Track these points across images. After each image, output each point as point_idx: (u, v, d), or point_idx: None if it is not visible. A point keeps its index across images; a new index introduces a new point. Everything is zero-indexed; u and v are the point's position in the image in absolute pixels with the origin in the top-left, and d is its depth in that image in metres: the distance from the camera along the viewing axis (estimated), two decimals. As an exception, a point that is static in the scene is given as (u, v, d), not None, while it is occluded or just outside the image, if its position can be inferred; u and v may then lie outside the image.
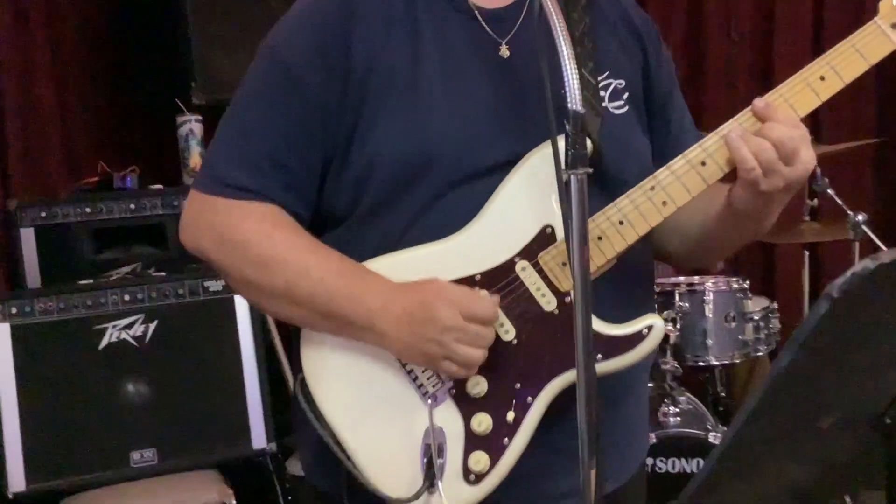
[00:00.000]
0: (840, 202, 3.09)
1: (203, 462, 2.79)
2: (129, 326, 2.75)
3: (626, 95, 1.42)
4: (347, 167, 1.35)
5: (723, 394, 3.36)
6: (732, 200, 1.31)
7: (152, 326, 2.77)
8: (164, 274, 2.92)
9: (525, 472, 1.31)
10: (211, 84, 3.12)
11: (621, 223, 1.30)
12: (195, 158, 3.15)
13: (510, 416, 1.30)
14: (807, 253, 3.41)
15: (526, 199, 1.32)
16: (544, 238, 1.32)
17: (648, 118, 1.46)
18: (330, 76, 1.33)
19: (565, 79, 1.10)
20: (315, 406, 1.34)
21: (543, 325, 1.31)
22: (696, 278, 3.07)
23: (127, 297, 2.77)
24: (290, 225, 1.36)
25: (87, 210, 2.92)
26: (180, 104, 3.11)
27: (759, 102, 1.28)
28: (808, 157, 1.26)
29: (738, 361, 3.08)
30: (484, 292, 1.30)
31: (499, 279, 1.32)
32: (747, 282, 3.06)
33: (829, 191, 3.09)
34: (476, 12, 1.38)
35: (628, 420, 1.46)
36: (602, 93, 1.39)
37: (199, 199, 1.40)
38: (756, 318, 3.07)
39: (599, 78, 1.38)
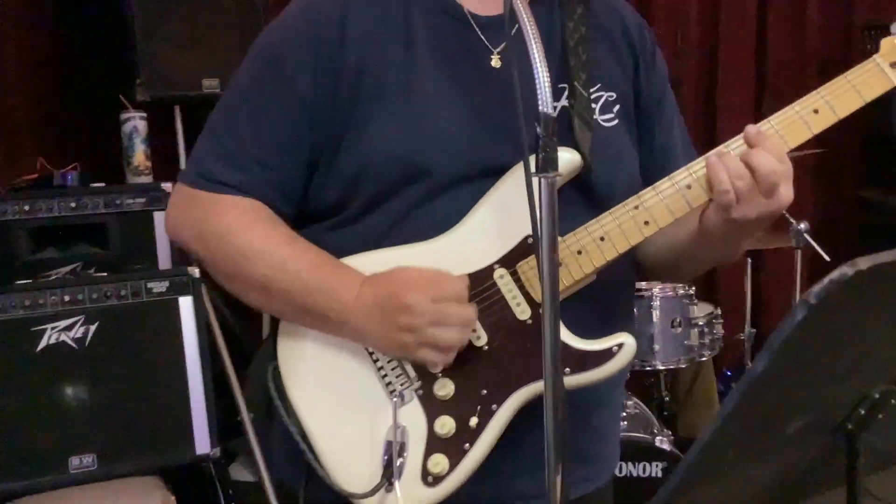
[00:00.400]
0: (783, 211, 3.14)
1: (145, 468, 2.71)
2: (69, 328, 2.66)
3: (616, 108, 1.42)
4: (337, 167, 1.36)
5: (667, 398, 3.40)
6: (703, 221, 1.32)
7: (93, 328, 2.69)
8: (105, 274, 2.84)
9: (495, 471, 1.32)
10: (156, 80, 3.06)
11: (602, 239, 1.31)
12: (139, 157, 3.08)
13: (473, 421, 1.30)
14: (749, 260, 3.47)
15: (512, 208, 1.32)
16: (525, 248, 1.33)
17: (637, 127, 1.47)
18: (321, 76, 1.35)
19: (536, 81, 1.09)
20: (284, 396, 1.35)
21: (516, 334, 1.32)
22: (643, 284, 3.10)
23: (67, 298, 2.68)
24: (270, 219, 1.38)
25: (26, 208, 2.82)
26: (124, 101, 3.04)
27: (751, 129, 1.28)
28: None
29: (683, 366, 3.13)
30: (449, 275, 1.29)
31: (476, 284, 1.32)
32: (693, 288, 3.11)
33: (773, 199, 3.14)
34: (471, 19, 1.39)
35: (600, 429, 1.47)
36: (593, 105, 1.40)
37: (183, 192, 1.43)
38: (701, 323, 3.11)
39: (591, 90, 1.39)
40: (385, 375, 1.34)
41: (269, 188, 1.38)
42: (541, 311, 1.26)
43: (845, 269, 0.77)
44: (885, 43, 1.33)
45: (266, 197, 1.38)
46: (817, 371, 0.86)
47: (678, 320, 3.03)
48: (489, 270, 1.33)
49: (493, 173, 1.33)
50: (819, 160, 3.98)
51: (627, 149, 1.43)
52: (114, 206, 2.93)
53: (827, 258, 3.11)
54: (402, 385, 1.33)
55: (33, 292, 2.64)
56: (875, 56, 1.33)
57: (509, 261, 1.33)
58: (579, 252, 1.32)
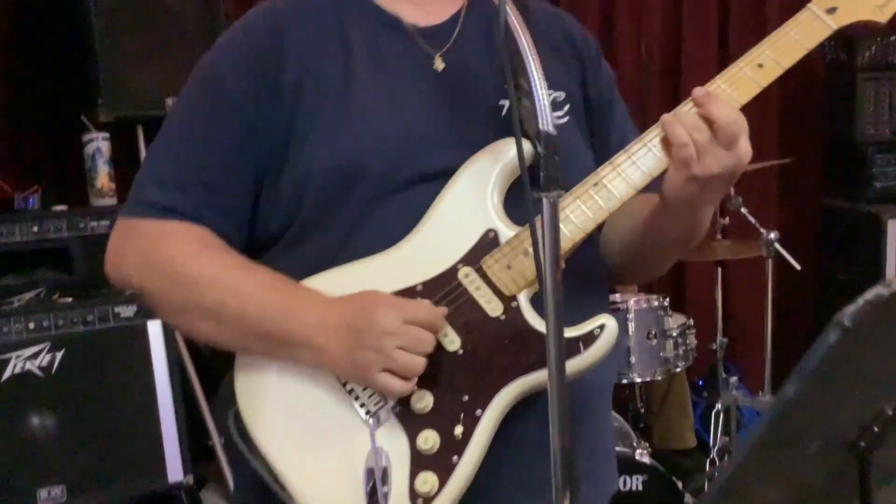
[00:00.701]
0: (753, 220, 3.17)
1: (115, 498, 2.66)
2: (35, 356, 2.60)
3: (566, 107, 1.41)
4: (280, 185, 1.32)
5: (642, 410, 3.40)
6: (666, 188, 1.27)
7: (59, 355, 2.63)
8: (70, 300, 2.77)
9: (493, 486, 1.26)
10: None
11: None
12: (102, 178, 3.01)
13: (458, 430, 1.23)
14: (720, 269, 3.49)
15: (466, 205, 1.29)
16: (487, 242, 1.29)
17: (590, 132, 1.46)
18: (260, 92, 1.32)
19: (536, 100, 1.07)
20: (250, 440, 1.27)
21: (490, 332, 1.27)
22: (617, 296, 3.10)
23: (31, 325, 2.62)
24: (219, 245, 1.32)
25: (-14, 233, 2.76)
26: (86, 121, 2.97)
27: (698, 91, 1.25)
28: (746, 148, 1.23)
29: (659, 378, 3.13)
30: (426, 302, 1.25)
31: (441, 287, 1.27)
32: (667, 300, 3.11)
33: (743, 209, 3.17)
34: (410, 30, 1.37)
35: (589, 444, 1.42)
36: None
37: (124, 225, 1.36)
38: (675, 334, 3.12)
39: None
40: (357, 398, 1.26)
41: (214, 211, 1.33)
42: (514, 305, 1.25)
43: (881, 291, 0.76)
44: None
45: (213, 221, 1.33)
46: (842, 391, 0.84)
47: (653, 332, 3.03)
48: (453, 271, 1.28)
49: (439, 176, 1.30)
50: (783, 169, 4.03)
51: (580, 146, 1.41)
52: (77, 229, 2.88)
53: (798, 267, 3.14)
54: (376, 405, 1.25)
55: (-4, 320, 2.58)
56: (809, 4, 1.32)
57: (472, 258, 1.28)
58: None
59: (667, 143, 1.26)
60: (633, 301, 3.04)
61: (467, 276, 1.28)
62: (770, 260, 3.17)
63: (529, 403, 1.26)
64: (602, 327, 1.24)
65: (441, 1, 1.41)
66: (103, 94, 2.98)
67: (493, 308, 1.27)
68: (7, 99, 3.25)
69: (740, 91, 1.29)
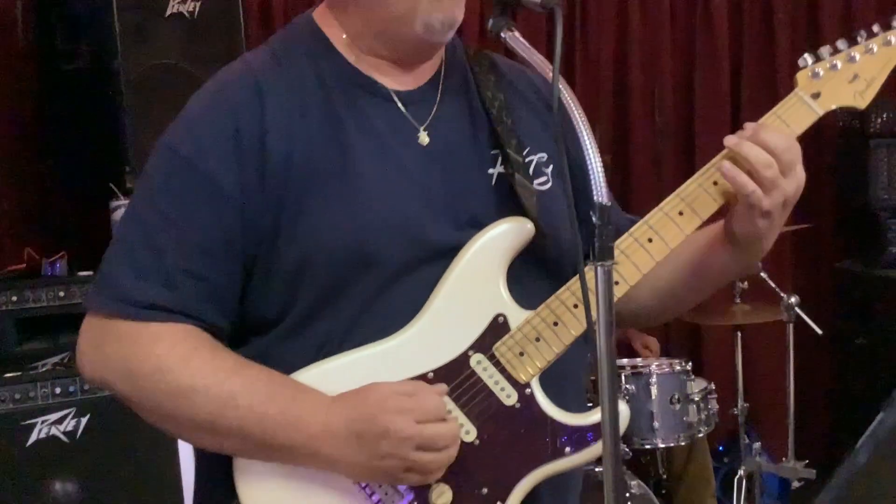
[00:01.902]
0: (773, 284, 3.18)
1: (137, 565, 2.62)
2: (60, 421, 2.59)
3: (549, 169, 1.39)
4: (275, 269, 1.25)
5: (664, 476, 3.37)
6: (736, 229, 1.31)
7: (84, 421, 2.62)
8: (95, 365, 2.77)
9: None
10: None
11: (576, 306, 1.28)
12: (129, 244, 3.04)
13: None
14: (739, 334, 3.49)
15: (473, 288, 1.28)
16: (497, 328, 1.28)
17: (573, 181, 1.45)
18: (244, 170, 1.23)
19: (590, 171, 1.07)
20: None
21: (505, 421, 1.26)
22: (639, 361, 3.10)
23: (57, 391, 2.62)
24: (208, 346, 1.24)
25: (13, 298, 2.77)
26: (115, 189, 3.01)
27: (749, 125, 1.31)
28: (801, 170, 1.29)
29: (682, 443, 3.10)
30: (430, 390, 1.22)
31: (453, 376, 1.26)
32: (689, 364, 3.11)
33: (762, 274, 3.18)
34: (392, 94, 1.34)
35: None
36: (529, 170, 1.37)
37: (98, 323, 1.25)
38: (697, 399, 3.10)
39: (523, 154, 1.36)
40: (373, 493, 1.23)
41: (201, 302, 1.23)
42: (528, 392, 1.25)
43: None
44: (801, 77, 1.38)
45: (198, 314, 1.24)
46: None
47: (676, 397, 3.02)
48: (464, 358, 1.27)
49: (442, 254, 1.28)
50: (798, 235, 4.05)
51: (567, 209, 1.40)
52: (103, 294, 2.89)
53: (819, 331, 3.15)
54: (394, 501, 1.23)
55: (23, 385, 2.59)
56: (797, 90, 1.37)
57: (483, 344, 1.27)
58: (555, 324, 1.28)
59: (724, 185, 1.29)
60: (656, 365, 3.04)
61: (480, 364, 1.27)
62: (791, 324, 3.18)
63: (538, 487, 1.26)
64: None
65: (417, 67, 1.37)
66: (131, 162, 3.03)
67: (508, 396, 1.27)
68: (34, 166, 3.30)
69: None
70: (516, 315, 1.29)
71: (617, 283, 1.27)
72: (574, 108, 1.11)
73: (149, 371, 1.22)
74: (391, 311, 1.26)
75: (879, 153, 3.96)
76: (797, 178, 1.28)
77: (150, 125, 3.09)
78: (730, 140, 1.30)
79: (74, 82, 3.21)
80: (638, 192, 4.18)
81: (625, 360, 3.17)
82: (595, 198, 1.07)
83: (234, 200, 1.23)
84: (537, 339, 1.27)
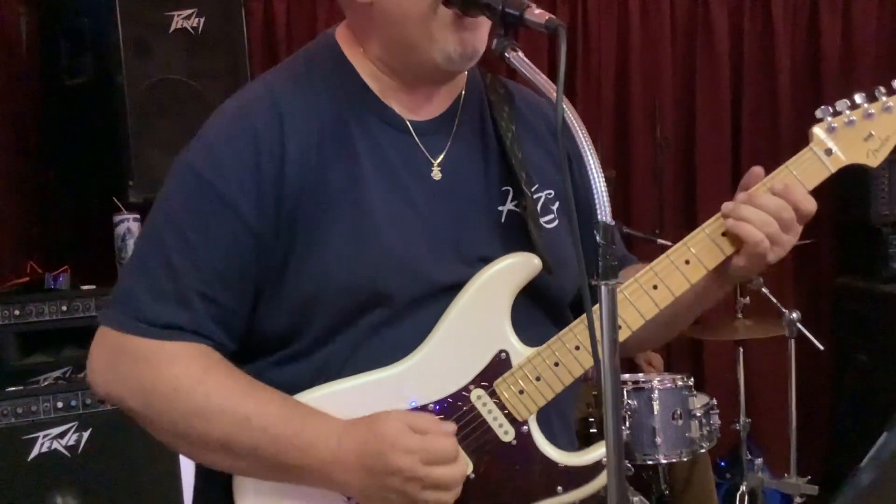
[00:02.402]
0: (774, 300, 3.18)
1: (138, 581, 2.62)
2: (62, 435, 2.60)
3: (555, 206, 1.40)
4: (285, 296, 1.27)
5: (666, 492, 3.36)
6: (733, 273, 1.35)
7: (86, 435, 2.63)
8: (97, 379, 2.77)
9: None
10: (149, 182, 3.04)
11: (577, 348, 1.29)
12: (132, 258, 3.05)
13: None
14: (741, 350, 3.49)
15: (475, 323, 1.29)
16: (499, 364, 1.29)
17: (579, 217, 1.45)
18: (262, 200, 1.25)
19: (594, 190, 1.07)
20: None
21: (502, 458, 1.28)
22: (640, 376, 3.10)
23: (59, 405, 2.63)
24: (222, 366, 1.26)
25: (16, 312, 2.77)
26: (118, 203, 3.02)
27: (778, 185, 1.33)
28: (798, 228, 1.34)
29: (684, 459, 3.10)
30: (441, 432, 1.23)
31: (453, 409, 1.28)
32: (691, 379, 3.11)
33: (764, 290, 3.18)
34: (409, 125, 1.34)
35: None
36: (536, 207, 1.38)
37: (113, 339, 1.26)
38: (699, 414, 3.10)
39: (532, 190, 1.37)
40: None
41: (213, 324, 1.25)
42: (525, 430, 1.27)
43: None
44: (817, 130, 1.38)
45: (211, 335, 1.25)
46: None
47: (679, 412, 3.02)
48: (465, 392, 1.28)
49: (449, 290, 1.29)
50: (799, 250, 4.05)
51: (570, 249, 1.38)
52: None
53: (821, 347, 3.15)
54: None
55: (25, 399, 2.59)
56: (811, 145, 1.38)
57: (484, 379, 1.29)
58: (556, 364, 1.29)
59: (731, 235, 1.32)
60: (658, 381, 3.04)
61: (479, 399, 1.28)
62: (793, 340, 3.18)
63: None
64: None
65: (436, 94, 1.38)
66: (134, 177, 3.04)
67: (506, 432, 1.28)
68: (38, 180, 3.32)
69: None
70: (518, 352, 1.30)
71: (619, 327, 1.29)
72: (578, 129, 1.11)
73: (164, 391, 1.23)
74: (395, 342, 1.27)
75: (880, 168, 3.96)
76: (798, 230, 1.33)
77: (154, 140, 3.11)
78: (725, 207, 1.33)
79: (78, 97, 3.22)
80: (638, 206, 4.19)
81: (627, 376, 3.17)
82: (599, 217, 1.07)
83: (250, 227, 1.25)
84: (537, 379, 1.29)
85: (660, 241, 3.72)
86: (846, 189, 4.14)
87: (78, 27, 3.18)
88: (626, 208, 4.18)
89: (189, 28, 3.23)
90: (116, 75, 3.03)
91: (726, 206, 1.33)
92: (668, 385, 3.03)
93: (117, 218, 3.04)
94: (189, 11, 3.21)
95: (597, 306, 1.04)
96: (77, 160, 3.26)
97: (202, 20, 3.25)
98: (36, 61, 3.40)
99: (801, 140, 1.41)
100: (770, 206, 1.29)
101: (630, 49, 4.21)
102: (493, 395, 1.28)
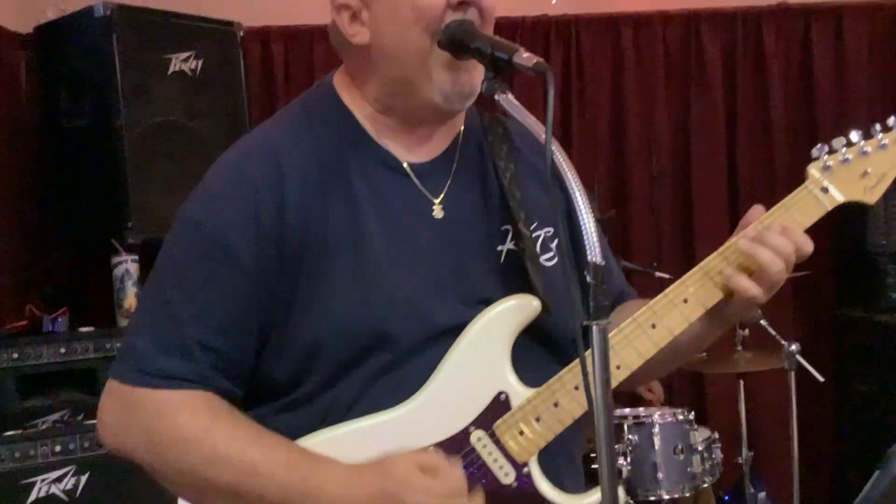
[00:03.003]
0: (773, 332, 3.18)
1: None
2: (60, 479, 2.58)
3: (555, 243, 1.41)
4: (289, 343, 1.28)
5: (669, 527, 3.33)
6: (730, 315, 1.36)
7: (84, 479, 2.61)
8: (95, 422, 2.76)
9: None
10: (147, 223, 3.06)
11: (577, 388, 1.29)
12: (130, 299, 3.06)
13: None
14: (742, 382, 3.48)
15: (475, 365, 1.30)
16: (498, 406, 1.29)
17: (576, 256, 1.45)
18: (264, 249, 1.26)
19: (584, 232, 1.08)
20: None
21: (502, 500, 1.27)
22: (641, 410, 3.08)
23: (57, 448, 2.61)
24: (229, 414, 1.27)
25: (14, 356, 2.77)
26: (117, 245, 3.03)
27: (776, 227, 1.34)
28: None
29: (687, 495, 3.08)
30: (451, 473, 1.23)
31: (453, 451, 1.28)
32: (692, 413, 3.09)
33: (763, 322, 3.18)
34: (407, 167, 1.36)
35: None
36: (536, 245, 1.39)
37: (121, 392, 1.28)
38: (701, 448, 3.08)
39: (531, 228, 1.38)
40: None
41: (218, 374, 1.27)
42: (525, 471, 1.27)
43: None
44: (812, 168, 1.39)
45: (216, 384, 1.27)
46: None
47: (680, 447, 3.00)
48: (465, 434, 1.28)
49: (450, 332, 1.29)
50: (797, 281, 4.06)
51: (571, 285, 1.36)
52: (104, 350, 2.89)
53: (821, 379, 3.14)
54: None
55: (23, 443, 2.58)
56: (806, 183, 1.39)
57: (484, 421, 1.29)
58: (555, 405, 1.29)
59: (727, 278, 1.33)
60: (658, 415, 3.02)
61: (480, 441, 1.29)
62: (792, 372, 3.17)
63: None
64: None
65: (435, 135, 1.39)
66: (133, 218, 3.05)
67: (506, 474, 1.28)
68: (37, 222, 3.33)
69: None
70: (518, 393, 1.30)
71: (618, 367, 1.30)
72: (567, 170, 1.12)
73: (172, 441, 1.25)
74: (397, 385, 1.28)
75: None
76: (791, 268, 1.34)
77: (152, 181, 3.13)
78: (743, 244, 1.33)
79: (77, 139, 3.25)
80: (636, 239, 4.20)
81: (627, 410, 3.16)
82: (589, 257, 1.08)
83: (253, 277, 1.26)
84: (537, 420, 1.29)
85: (658, 273, 3.74)
86: (843, 219, 4.15)
87: (77, 71, 3.22)
88: (624, 241, 4.19)
89: (187, 70, 3.26)
90: (115, 118, 3.07)
91: (743, 247, 1.33)
92: (669, 419, 3.02)
93: (115, 259, 3.06)
94: (187, 54, 3.25)
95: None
96: (76, 202, 3.28)
97: (200, 62, 3.29)
98: (36, 105, 3.43)
99: (797, 168, 1.42)
100: (784, 250, 1.30)
101: (624, 83, 4.25)
102: (493, 436, 1.29)
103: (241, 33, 3.46)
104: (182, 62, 3.22)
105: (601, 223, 3.68)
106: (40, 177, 3.38)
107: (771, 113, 4.27)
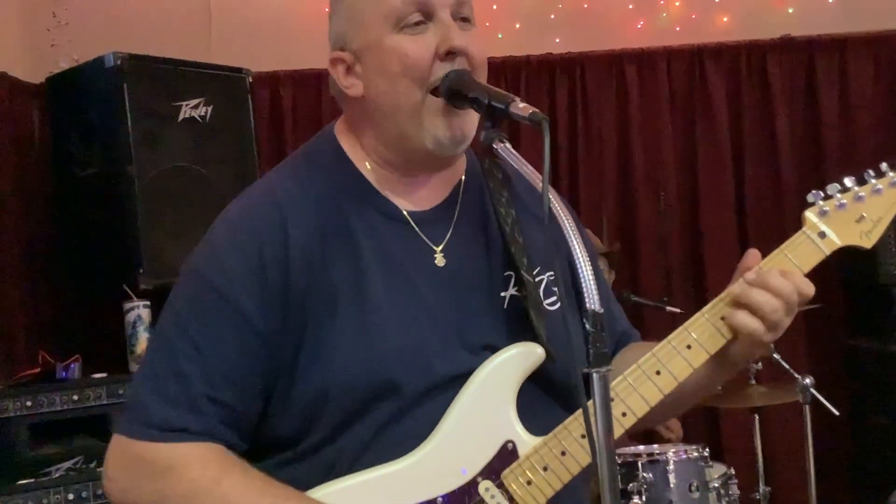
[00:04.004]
0: (786, 366, 3.16)
1: None
2: (73, 528, 2.57)
3: (556, 288, 1.41)
4: (294, 394, 1.28)
5: (687, 566, 3.28)
6: (735, 357, 1.37)
7: (96, 527, 2.60)
8: (107, 469, 2.76)
9: None
10: (159, 269, 3.08)
11: (583, 436, 1.29)
12: (142, 345, 3.06)
13: None
14: (756, 417, 3.45)
15: (481, 414, 1.30)
16: (506, 455, 1.29)
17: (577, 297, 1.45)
18: (269, 302, 1.27)
19: (582, 280, 1.09)
20: None
21: None
22: (655, 447, 3.05)
23: (70, 496, 2.62)
24: (237, 467, 1.27)
25: (28, 403, 2.78)
26: (128, 291, 3.05)
27: (775, 272, 1.35)
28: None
29: (704, 533, 3.03)
30: None
31: (462, 501, 1.27)
32: (707, 450, 3.06)
33: (775, 355, 3.16)
34: (408, 217, 1.37)
35: None
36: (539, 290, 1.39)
37: (127, 447, 1.28)
38: (717, 485, 3.04)
39: (534, 273, 1.39)
40: None
41: (224, 427, 1.27)
42: None
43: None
44: (809, 214, 1.40)
45: (222, 437, 1.27)
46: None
47: (695, 484, 2.96)
48: (473, 484, 1.28)
49: (454, 380, 1.30)
50: (809, 314, 4.04)
51: (574, 330, 1.34)
52: (116, 396, 2.90)
53: (836, 412, 3.11)
54: None
55: (36, 492, 2.58)
56: (804, 228, 1.40)
57: (492, 471, 1.29)
58: (563, 453, 1.29)
59: (728, 316, 1.33)
60: (672, 452, 2.98)
61: (488, 491, 1.28)
62: (807, 406, 3.14)
63: None
64: None
65: (436, 183, 1.41)
66: (144, 264, 3.07)
67: None
68: (47, 269, 3.35)
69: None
70: (525, 442, 1.30)
71: (624, 414, 1.31)
72: (564, 218, 1.13)
73: (182, 494, 1.25)
74: (404, 435, 1.28)
75: (888, 229, 3.96)
76: (796, 309, 1.34)
77: (163, 227, 3.16)
78: (735, 288, 1.34)
79: (88, 187, 3.29)
80: (646, 274, 4.20)
81: (641, 448, 3.12)
82: (587, 305, 1.08)
83: (258, 330, 1.27)
84: (545, 469, 1.29)
85: (668, 308, 3.73)
86: (853, 251, 4.14)
87: (89, 120, 3.25)
88: (634, 277, 4.20)
89: (197, 117, 3.30)
90: (126, 165, 3.10)
91: (736, 290, 1.33)
92: (683, 456, 2.98)
93: (127, 305, 3.07)
94: (197, 101, 3.29)
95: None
96: (87, 249, 3.31)
97: (210, 109, 3.33)
98: (48, 153, 3.47)
99: (805, 201, 1.43)
100: (784, 291, 1.31)
101: (630, 119, 4.28)
102: (500, 486, 1.28)
103: (250, 79, 3.51)
104: (192, 109, 3.27)
105: (609, 256, 3.71)
106: (52, 224, 3.41)
107: (777, 145, 4.28)
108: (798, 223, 1.43)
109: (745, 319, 1.31)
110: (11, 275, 3.25)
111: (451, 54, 1.29)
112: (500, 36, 4.27)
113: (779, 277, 1.31)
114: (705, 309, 1.36)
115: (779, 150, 4.27)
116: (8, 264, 3.25)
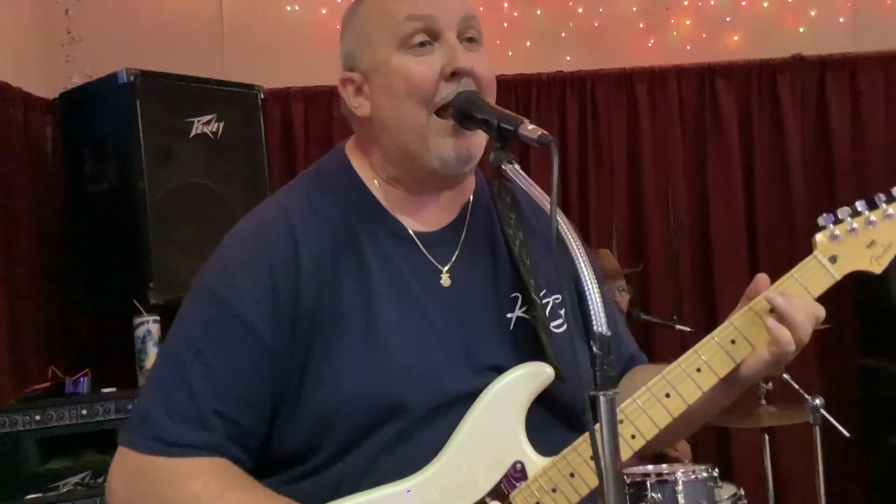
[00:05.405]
0: (796, 386, 3.14)
1: None
2: (81, 542, 2.57)
3: (563, 311, 1.41)
4: (302, 411, 1.28)
5: (697, 588, 3.25)
6: (746, 379, 1.36)
7: (105, 542, 2.59)
8: (115, 483, 2.76)
9: None
10: (169, 284, 3.10)
11: (592, 458, 1.25)
12: (152, 360, 3.06)
13: None
14: (766, 437, 3.42)
15: (490, 434, 1.29)
16: (514, 476, 1.29)
17: (584, 319, 1.44)
18: (279, 320, 1.27)
19: (590, 302, 1.09)
20: None
21: None
22: (664, 467, 3.03)
23: (78, 512, 2.61)
24: (242, 481, 1.27)
25: (37, 418, 2.79)
26: (139, 306, 3.06)
27: (780, 296, 1.34)
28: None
29: (714, 555, 3.01)
30: None
31: None
32: (716, 469, 3.04)
33: (786, 375, 3.14)
34: (415, 237, 1.37)
35: None
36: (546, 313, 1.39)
37: (132, 461, 1.27)
38: (727, 506, 3.02)
39: (541, 295, 1.39)
40: None
41: (231, 443, 1.27)
42: None
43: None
44: (820, 238, 1.39)
45: (229, 452, 1.26)
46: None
47: (705, 505, 2.94)
48: None
49: (461, 400, 1.29)
50: (820, 336, 4.02)
51: (580, 353, 1.34)
52: (125, 411, 2.90)
53: (846, 434, 3.08)
54: None
55: (45, 507, 2.57)
56: (815, 252, 1.39)
57: (500, 492, 1.28)
58: (572, 475, 1.29)
59: (741, 345, 1.33)
60: (682, 472, 2.96)
61: None
62: (817, 426, 3.12)
63: None
64: None
65: (444, 203, 1.41)
66: (154, 279, 3.08)
67: None
68: (59, 284, 3.36)
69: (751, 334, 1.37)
70: (534, 462, 1.30)
71: (634, 436, 1.30)
72: (573, 240, 1.13)
73: None
74: (409, 455, 1.27)
75: (898, 249, 3.95)
76: (809, 331, 1.33)
77: (174, 243, 3.17)
78: (779, 301, 1.33)
79: (100, 203, 3.31)
80: (656, 293, 4.19)
81: (650, 468, 3.10)
82: (595, 328, 1.08)
83: (268, 347, 1.27)
84: (554, 490, 1.28)
85: (678, 327, 3.72)
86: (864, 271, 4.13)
87: (101, 135, 3.28)
88: (644, 295, 4.18)
89: (209, 133, 3.32)
90: (138, 181, 3.12)
91: (780, 302, 1.32)
92: (692, 477, 2.96)
93: (137, 320, 3.08)
94: (209, 117, 3.31)
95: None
96: (98, 263, 3.32)
97: (221, 125, 3.35)
98: (60, 169, 3.49)
99: (816, 220, 1.42)
100: (816, 313, 1.32)
101: (640, 138, 4.28)
102: None
103: (262, 96, 3.52)
104: (204, 125, 3.28)
105: (629, 278, 3.70)
106: (63, 238, 3.43)
107: (788, 164, 4.28)
108: (808, 242, 1.42)
109: (780, 331, 1.30)
110: (22, 289, 3.26)
111: (456, 75, 1.30)
112: (510, 54, 4.29)
113: (809, 299, 1.33)
114: (715, 332, 1.35)
115: (789, 169, 4.26)
116: (19, 278, 3.26)
